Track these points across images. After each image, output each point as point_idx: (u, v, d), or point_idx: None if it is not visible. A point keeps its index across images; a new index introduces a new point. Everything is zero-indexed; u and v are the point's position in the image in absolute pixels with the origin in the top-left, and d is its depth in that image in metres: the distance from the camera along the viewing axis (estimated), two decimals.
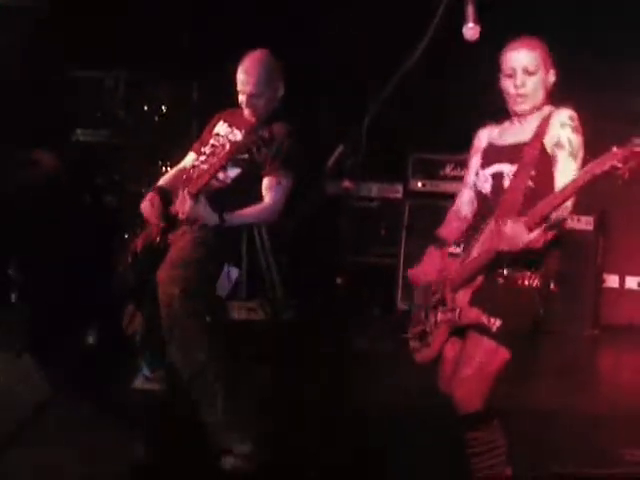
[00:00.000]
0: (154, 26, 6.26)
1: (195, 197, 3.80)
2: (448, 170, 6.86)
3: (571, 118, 3.15)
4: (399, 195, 7.09)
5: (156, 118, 6.11)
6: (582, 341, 6.44)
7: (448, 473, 3.56)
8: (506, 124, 3.37)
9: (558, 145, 3.11)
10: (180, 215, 3.87)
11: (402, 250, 6.89)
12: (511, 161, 3.20)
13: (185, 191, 3.83)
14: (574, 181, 2.88)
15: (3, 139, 5.52)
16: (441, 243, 3.35)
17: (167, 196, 4.07)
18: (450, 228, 3.40)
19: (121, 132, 6.05)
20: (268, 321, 4.74)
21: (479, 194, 3.34)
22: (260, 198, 4.03)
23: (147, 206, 4.04)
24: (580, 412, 4.62)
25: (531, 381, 4.92)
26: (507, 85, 3.24)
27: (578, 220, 6.63)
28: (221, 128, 4.23)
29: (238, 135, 4.12)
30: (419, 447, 3.94)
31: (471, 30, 3.10)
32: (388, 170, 6.99)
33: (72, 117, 6.24)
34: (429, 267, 3.32)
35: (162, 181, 4.26)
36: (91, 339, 5.24)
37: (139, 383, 4.47)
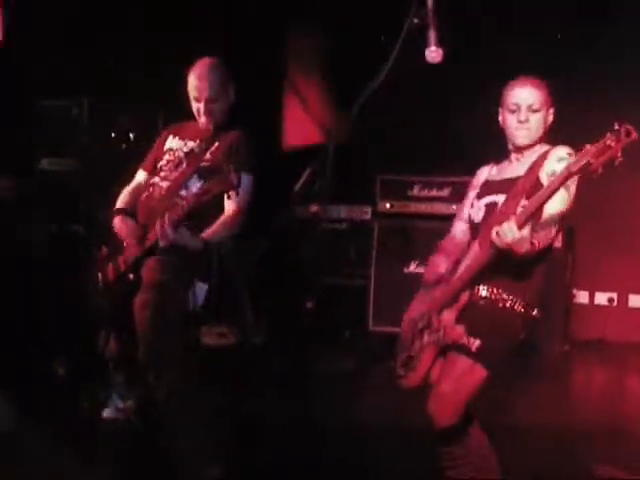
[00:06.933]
0: (120, 53, 6.26)
1: (177, 225, 3.73)
2: (416, 191, 6.88)
3: (569, 154, 3.23)
4: (368, 216, 7.11)
5: (123, 146, 6.08)
6: (553, 357, 6.47)
7: None
8: (504, 163, 3.48)
9: (553, 175, 3.15)
10: (161, 243, 3.77)
11: (372, 271, 6.90)
12: (505, 192, 3.29)
13: (165, 219, 3.70)
14: (554, 180, 2.98)
15: None
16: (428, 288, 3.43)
17: (133, 217, 4.01)
18: (437, 267, 3.46)
19: (87, 160, 6.02)
20: (238, 345, 4.71)
21: (471, 223, 3.44)
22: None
23: (121, 227, 3.98)
24: (551, 428, 4.63)
25: (501, 397, 4.92)
26: (510, 119, 3.35)
27: None
28: (173, 143, 4.14)
29: (193, 147, 4.04)
30: (391, 467, 3.95)
31: (433, 53, 3.13)
32: (356, 192, 7.02)
33: (37, 146, 6.20)
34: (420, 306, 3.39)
35: (121, 203, 4.14)
36: (61, 371, 5.19)
37: (110, 413, 4.44)
